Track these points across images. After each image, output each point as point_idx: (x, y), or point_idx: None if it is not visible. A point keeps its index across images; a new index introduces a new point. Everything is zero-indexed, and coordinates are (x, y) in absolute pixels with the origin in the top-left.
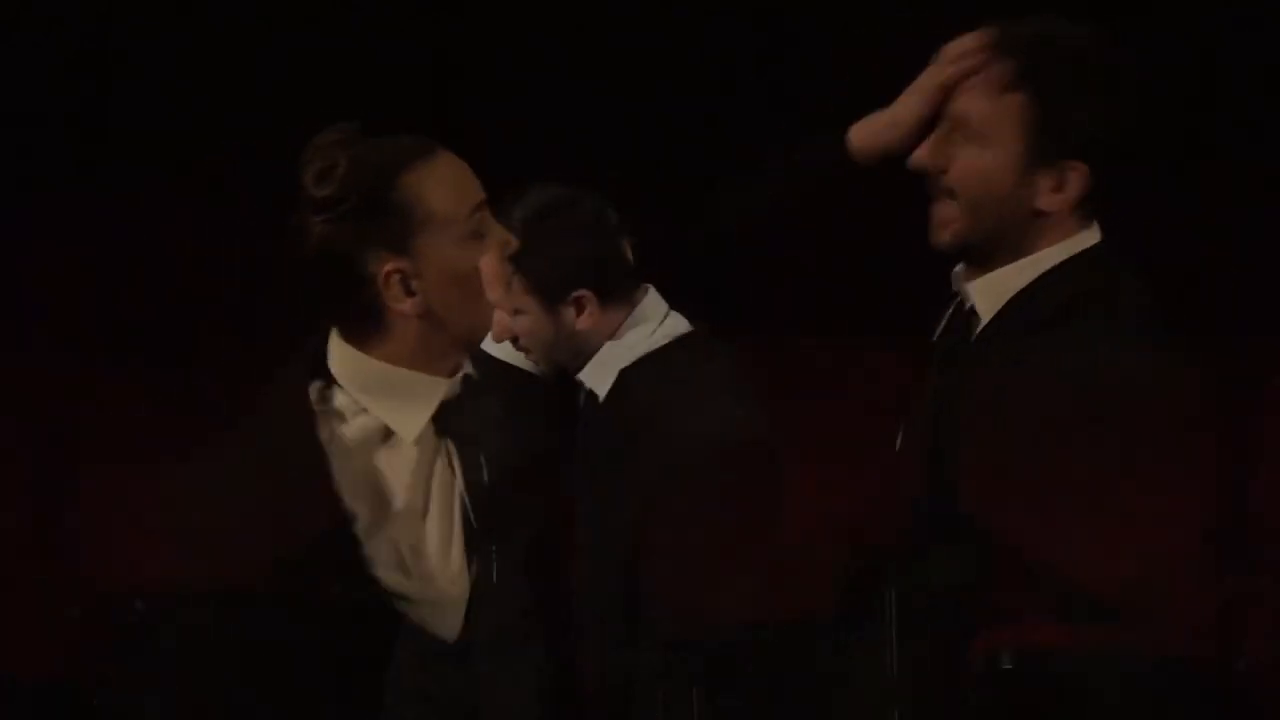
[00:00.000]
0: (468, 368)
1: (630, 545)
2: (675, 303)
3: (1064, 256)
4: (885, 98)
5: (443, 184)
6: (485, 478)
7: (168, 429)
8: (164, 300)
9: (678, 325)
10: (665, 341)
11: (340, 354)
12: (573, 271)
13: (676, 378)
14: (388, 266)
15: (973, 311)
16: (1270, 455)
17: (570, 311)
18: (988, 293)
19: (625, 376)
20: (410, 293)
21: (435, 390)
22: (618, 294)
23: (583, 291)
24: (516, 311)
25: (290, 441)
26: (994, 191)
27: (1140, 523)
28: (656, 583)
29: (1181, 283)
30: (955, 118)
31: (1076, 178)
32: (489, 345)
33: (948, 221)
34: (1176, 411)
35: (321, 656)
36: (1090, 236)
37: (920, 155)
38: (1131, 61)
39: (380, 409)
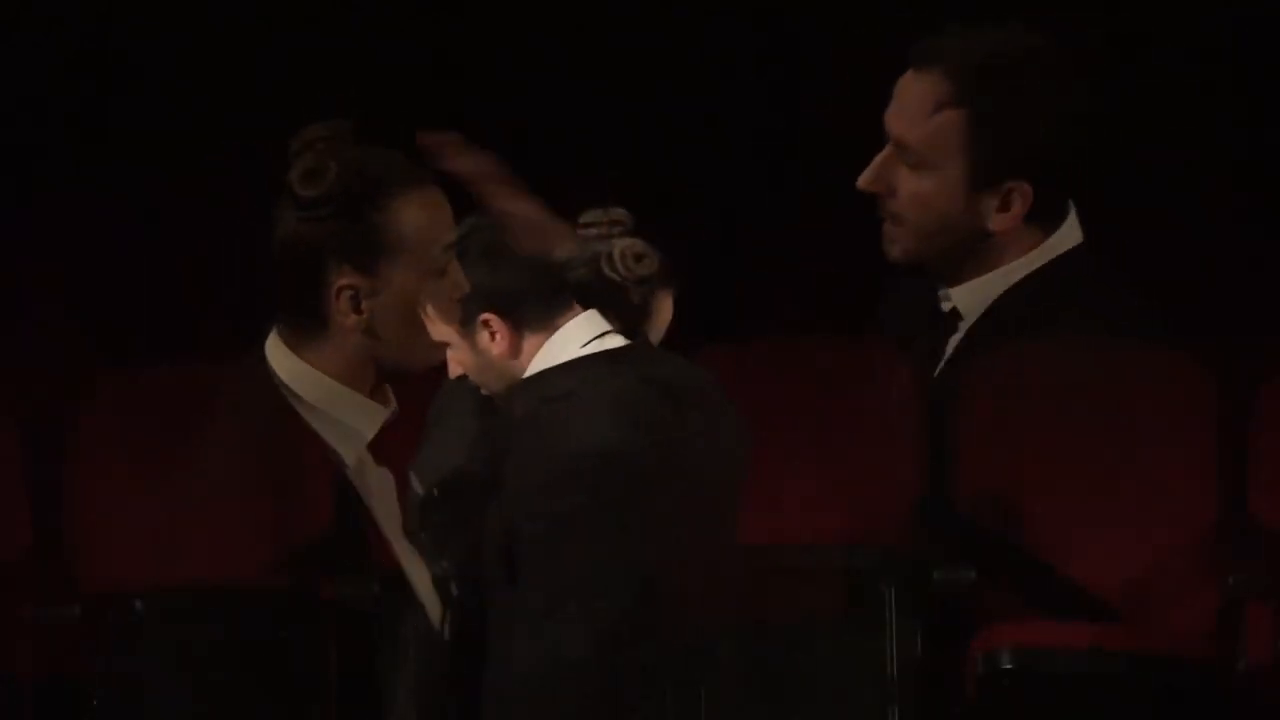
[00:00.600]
0: (392, 399)
1: (487, 563)
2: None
3: (1042, 262)
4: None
5: (424, 215)
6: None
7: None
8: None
9: (603, 345)
10: (562, 360)
11: (277, 355)
12: (474, 296)
13: (547, 396)
14: (344, 280)
15: (954, 313)
16: (1270, 454)
17: (485, 337)
18: (969, 297)
19: (512, 396)
20: (358, 310)
21: (366, 414)
22: (531, 319)
23: (488, 315)
24: (450, 346)
25: (278, 425)
26: (938, 217)
27: (1140, 522)
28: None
29: (1183, 282)
30: (895, 141)
31: (1021, 196)
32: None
33: (895, 240)
34: (1163, 404)
35: (319, 654)
36: (1068, 238)
37: (864, 180)
38: (1070, 74)
39: (313, 417)
